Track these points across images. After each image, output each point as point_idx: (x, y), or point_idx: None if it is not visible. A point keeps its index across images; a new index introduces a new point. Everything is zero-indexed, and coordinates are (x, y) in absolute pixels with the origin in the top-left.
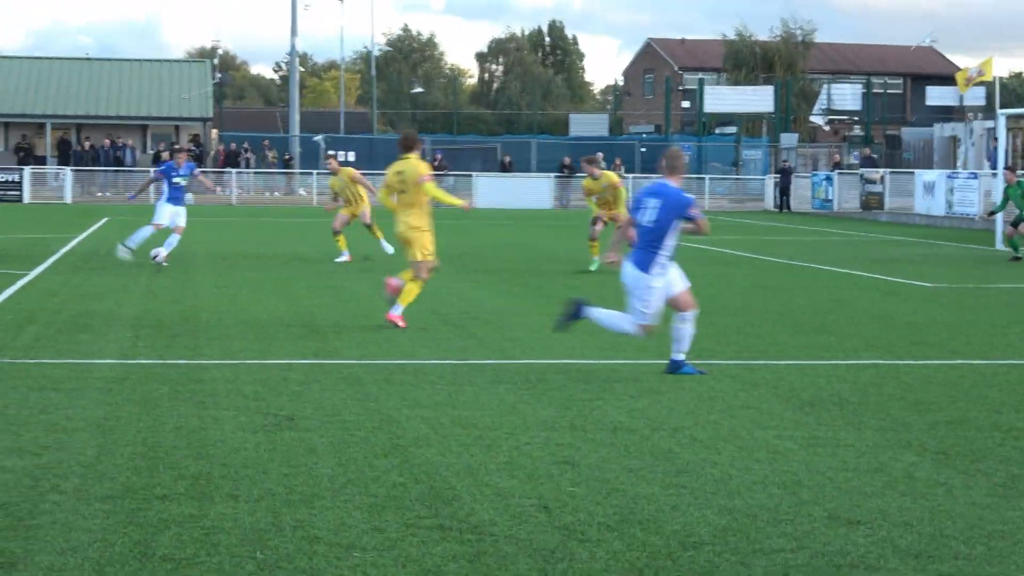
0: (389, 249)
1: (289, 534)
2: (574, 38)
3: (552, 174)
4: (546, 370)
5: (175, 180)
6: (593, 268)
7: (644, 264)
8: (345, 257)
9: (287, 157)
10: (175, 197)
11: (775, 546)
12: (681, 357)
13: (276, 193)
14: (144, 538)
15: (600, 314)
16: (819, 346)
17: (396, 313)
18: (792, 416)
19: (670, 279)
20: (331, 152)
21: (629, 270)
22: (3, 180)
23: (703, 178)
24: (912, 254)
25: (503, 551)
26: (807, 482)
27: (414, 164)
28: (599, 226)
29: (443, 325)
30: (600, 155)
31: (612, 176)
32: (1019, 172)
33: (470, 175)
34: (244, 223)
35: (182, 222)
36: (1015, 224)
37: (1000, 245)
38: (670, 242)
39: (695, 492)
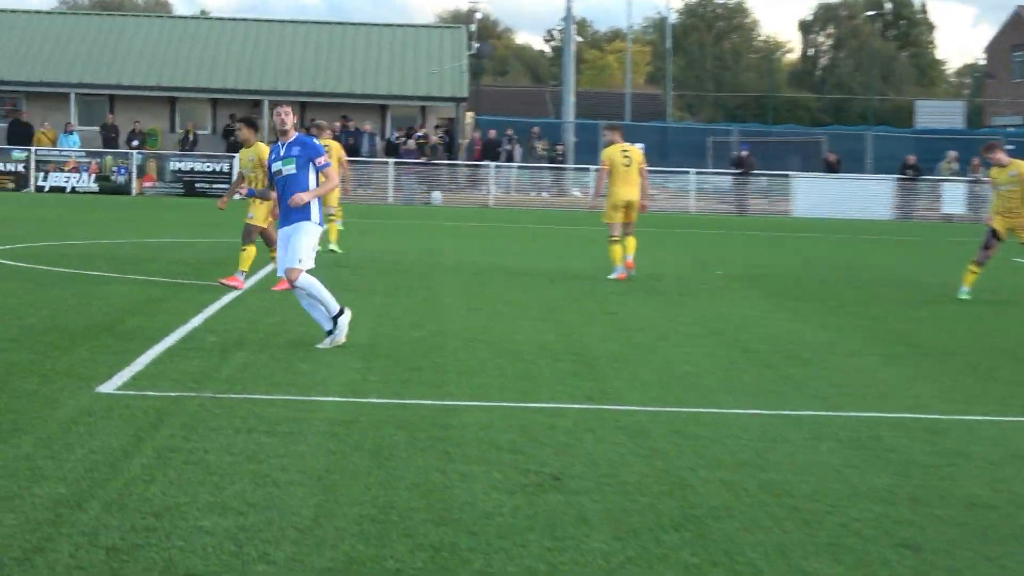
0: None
1: None
2: (922, 5)
3: (892, 176)
4: (881, 425)
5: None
6: (962, 296)
7: None
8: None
9: (558, 149)
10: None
11: None
12: None
13: (544, 193)
14: None
15: None
16: None
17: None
18: None
19: None
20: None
21: None
22: (209, 170)
23: None
24: None
25: None
26: None
27: None
28: (993, 248)
29: (751, 365)
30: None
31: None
32: None
33: (786, 175)
34: (502, 230)
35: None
36: None
37: None
38: None
39: None
